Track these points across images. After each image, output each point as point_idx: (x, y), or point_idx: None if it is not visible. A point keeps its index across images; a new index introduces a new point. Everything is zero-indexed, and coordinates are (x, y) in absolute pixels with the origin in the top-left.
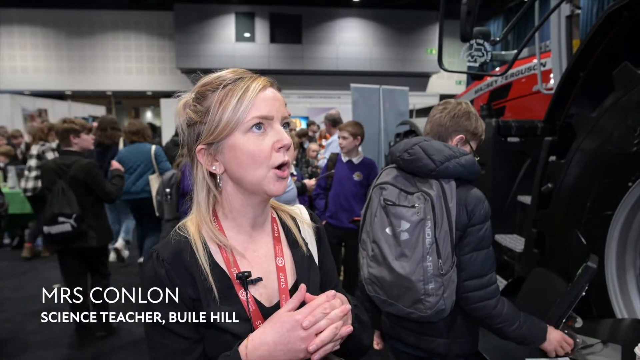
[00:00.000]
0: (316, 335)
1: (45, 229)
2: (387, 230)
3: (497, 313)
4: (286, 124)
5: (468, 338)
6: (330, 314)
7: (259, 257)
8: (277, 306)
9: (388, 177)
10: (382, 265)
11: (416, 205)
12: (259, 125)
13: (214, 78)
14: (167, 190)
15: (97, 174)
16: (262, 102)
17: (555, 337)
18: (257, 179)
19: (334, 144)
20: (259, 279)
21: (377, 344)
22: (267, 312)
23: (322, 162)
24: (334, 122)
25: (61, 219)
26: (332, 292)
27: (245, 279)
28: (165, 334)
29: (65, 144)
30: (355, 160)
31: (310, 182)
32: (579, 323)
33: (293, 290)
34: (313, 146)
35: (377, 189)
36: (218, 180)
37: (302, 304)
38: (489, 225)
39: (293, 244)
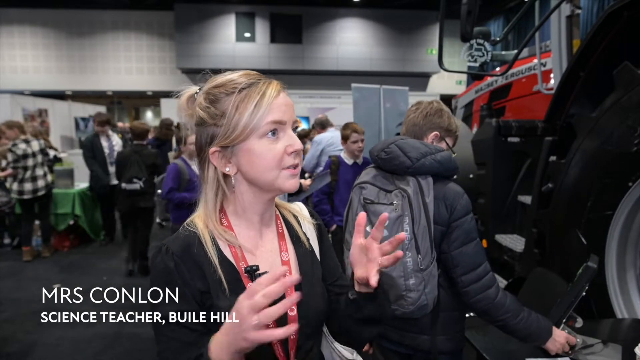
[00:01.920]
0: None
1: (124, 185)
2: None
3: (500, 303)
4: (296, 128)
5: (452, 335)
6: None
7: (265, 251)
8: (282, 299)
9: (367, 177)
10: None
11: (394, 202)
12: (274, 132)
13: (226, 80)
14: (159, 191)
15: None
16: (277, 108)
17: (560, 336)
18: (270, 180)
19: (323, 140)
20: (266, 273)
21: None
22: (273, 305)
23: (305, 162)
24: (322, 126)
25: (135, 179)
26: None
27: (254, 273)
28: (173, 327)
29: (140, 139)
30: (359, 161)
31: (306, 182)
32: (579, 323)
33: (297, 284)
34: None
35: (357, 189)
36: (232, 180)
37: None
38: (472, 216)
39: (296, 239)
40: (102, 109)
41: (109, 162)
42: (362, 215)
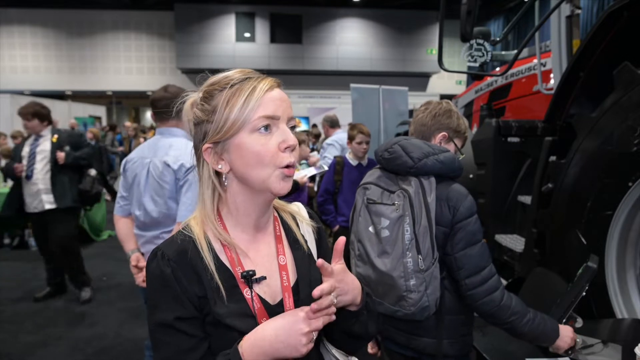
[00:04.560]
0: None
1: None
2: (370, 228)
3: (506, 305)
4: (293, 126)
5: (458, 339)
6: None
7: (261, 256)
8: (280, 304)
9: (371, 178)
10: (367, 264)
11: (396, 202)
12: (266, 127)
13: (221, 78)
14: None
15: None
16: (269, 102)
17: (566, 333)
18: (262, 178)
19: (335, 145)
20: (263, 278)
21: (371, 348)
22: (271, 309)
23: (323, 161)
24: (332, 124)
25: None
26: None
27: (250, 278)
28: (171, 333)
29: None
30: (364, 162)
31: (303, 180)
32: (579, 323)
33: (295, 288)
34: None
35: (361, 189)
36: (224, 179)
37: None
38: (476, 218)
39: (293, 242)
40: (102, 109)
41: (25, 175)
42: (341, 240)
